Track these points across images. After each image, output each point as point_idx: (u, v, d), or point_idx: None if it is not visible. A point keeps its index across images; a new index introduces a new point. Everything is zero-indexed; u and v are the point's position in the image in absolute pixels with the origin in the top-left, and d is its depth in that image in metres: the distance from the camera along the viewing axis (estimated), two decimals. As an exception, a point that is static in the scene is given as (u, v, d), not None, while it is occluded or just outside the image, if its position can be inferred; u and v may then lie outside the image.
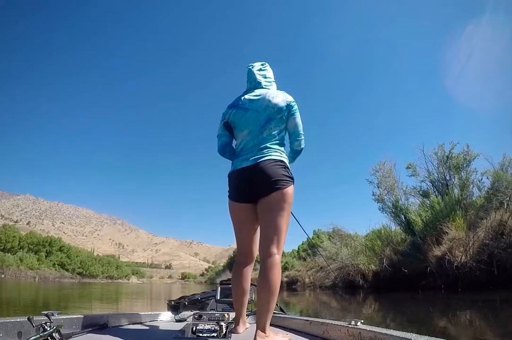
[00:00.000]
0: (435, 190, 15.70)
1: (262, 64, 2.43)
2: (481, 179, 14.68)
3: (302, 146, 2.34)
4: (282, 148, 2.21)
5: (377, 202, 16.63)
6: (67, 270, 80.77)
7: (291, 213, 2.18)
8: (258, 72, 2.38)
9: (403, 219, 15.62)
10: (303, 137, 2.32)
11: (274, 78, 2.45)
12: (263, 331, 1.88)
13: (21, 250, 70.09)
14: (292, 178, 2.12)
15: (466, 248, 10.56)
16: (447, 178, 15.45)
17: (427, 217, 14.06)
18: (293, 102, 2.25)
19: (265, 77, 2.38)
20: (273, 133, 2.18)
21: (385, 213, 16.33)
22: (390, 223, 16.32)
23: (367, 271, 15.42)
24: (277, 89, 2.39)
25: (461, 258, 10.57)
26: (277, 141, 2.19)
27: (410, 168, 16.31)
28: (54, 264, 77.00)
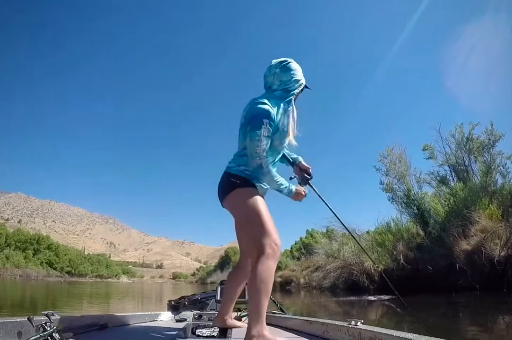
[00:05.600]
0: (454, 176, 13.80)
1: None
2: (506, 164, 12.75)
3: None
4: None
5: (386, 192, 14.64)
6: (55, 268, 79.54)
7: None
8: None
9: (416, 210, 13.65)
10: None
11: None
12: (250, 331, 1.83)
13: (8, 247, 68.43)
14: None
15: (507, 239, 8.69)
16: (466, 163, 13.59)
17: (449, 206, 12.14)
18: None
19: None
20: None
21: (395, 203, 14.36)
22: (400, 215, 14.46)
23: (373, 270, 13.52)
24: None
25: (500, 252, 8.71)
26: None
27: (427, 149, 14.27)
28: (42, 262, 75.72)
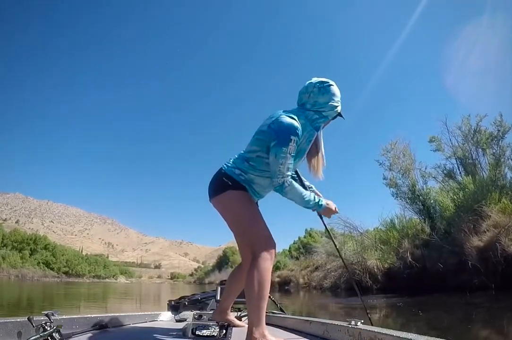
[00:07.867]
0: (462, 169, 13.24)
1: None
2: (513, 158, 12.30)
3: None
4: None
5: (389, 187, 14.15)
6: (52, 269, 79.50)
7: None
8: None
9: (421, 205, 13.19)
10: None
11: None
12: (251, 333, 1.81)
13: (5, 248, 68.50)
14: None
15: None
16: (474, 156, 13.04)
17: (459, 200, 11.57)
18: None
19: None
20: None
21: (400, 199, 13.83)
22: (404, 211, 13.88)
23: (376, 269, 12.97)
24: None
25: (516, 248, 8.16)
26: None
27: (433, 141, 13.74)
28: (39, 262, 75.72)
